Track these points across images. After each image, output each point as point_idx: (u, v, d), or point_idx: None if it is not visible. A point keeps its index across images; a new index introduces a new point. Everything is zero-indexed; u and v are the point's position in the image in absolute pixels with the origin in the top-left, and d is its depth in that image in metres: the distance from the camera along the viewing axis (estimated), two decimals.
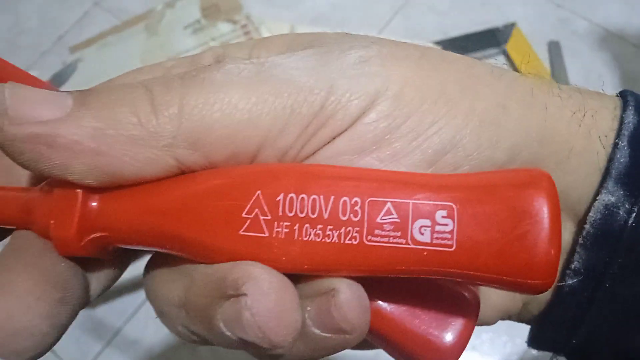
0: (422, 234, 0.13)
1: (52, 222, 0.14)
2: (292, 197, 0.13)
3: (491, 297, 0.17)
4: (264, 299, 0.13)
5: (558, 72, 0.70)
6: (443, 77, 0.15)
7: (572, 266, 0.16)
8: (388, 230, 0.13)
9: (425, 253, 0.13)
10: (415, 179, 0.13)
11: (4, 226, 0.15)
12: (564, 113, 0.16)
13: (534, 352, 0.20)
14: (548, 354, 0.19)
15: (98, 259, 0.15)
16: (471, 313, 0.15)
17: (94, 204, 0.14)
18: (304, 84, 0.14)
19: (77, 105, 0.13)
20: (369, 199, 0.13)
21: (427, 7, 0.75)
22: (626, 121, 0.16)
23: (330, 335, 0.14)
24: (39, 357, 0.14)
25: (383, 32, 0.74)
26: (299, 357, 0.14)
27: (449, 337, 0.15)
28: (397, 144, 0.14)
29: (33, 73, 0.18)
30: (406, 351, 0.15)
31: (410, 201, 0.13)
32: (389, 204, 0.13)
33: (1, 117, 0.13)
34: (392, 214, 0.13)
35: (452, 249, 0.13)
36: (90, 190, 0.14)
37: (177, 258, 0.15)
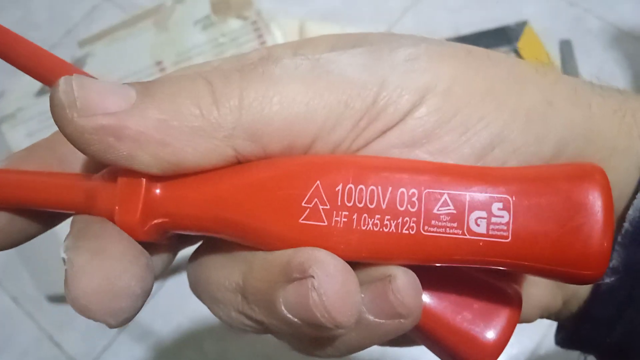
0: (478, 225, 0.13)
1: (116, 208, 0.15)
2: (350, 188, 0.14)
3: (533, 294, 0.18)
4: (331, 280, 0.13)
5: (569, 71, 0.69)
6: (490, 75, 0.16)
7: (611, 264, 0.17)
8: (445, 221, 0.14)
9: (481, 244, 0.13)
10: (471, 171, 0.14)
11: (64, 211, 0.16)
12: (606, 111, 0.16)
13: (542, 353, 0.20)
14: (557, 356, 0.19)
15: (155, 244, 0.16)
16: (514, 310, 0.16)
17: (157, 191, 0.15)
18: (357, 79, 0.15)
19: (141, 96, 0.14)
20: (426, 191, 0.14)
21: (439, 4, 0.75)
22: None
23: (384, 321, 0.14)
24: (131, 320, 0.15)
25: (394, 28, 0.74)
26: (351, 346, 0.15)
27: (491, 333, 0.15)
28: (447, 137, 0.15)
29: None
30: (448, 346, 0.16)
31: (467, 193, 0.13)
32: (445, 196, 0.14)
33: (70, 109, 0.13)
34: (449, 206, 0.14)
35: (507, 240, 0.13)
36: (153, 178, 0.15)
37: (231, 245, 0.16)
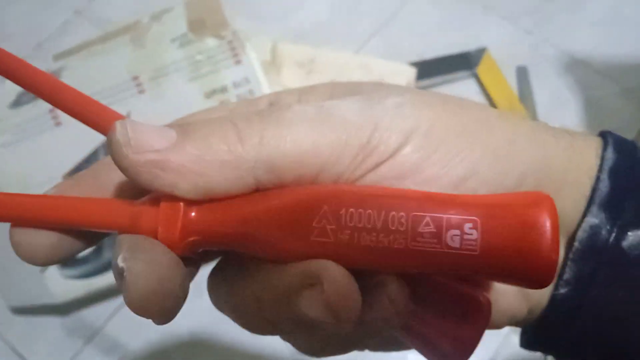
0: (453, 241, 0.16)
1: (159, 228, 0.18)
2: (352, 211, 0.17)
3: (502, 303, 0.21)
4: (337, 285, 0.16)
5: (525, 96, 0.73)
6: (462, 119, 0.19)
7: (564, 277, 0.20)
8: (427, 238, 0.17)
9: (455, 256, 0.16)
10: (448, 198, 0.17)
11: (108, 231, 0.19)
12: (558, 150, 0.20)
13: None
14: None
15: (186, 259, 0.19)
16: (485, 313, 0.19)
17: (193, 214, 0.18)
18: (354, 122, 0.18)
19: (180, 136, 0.17)
20: (412, 214, 0.17)
21: (405, 29, 0.78)
22: (606, 158, 0.20)
23: (378, 318, 0.18)
24: (171, 320, 0.17)
25: (362, 50, 0.77)
26: (351, 342, 0.19)
27: (467, 332, 0.19)
28: (429, 170, 0.18)
29: None
30: (432, 344, 0.20)
31: (444, 216, 0.17)
32: (427, 218, 0.17)
33: (126, 147, 0.17)
34: (430, 226, 0.17)
35: (477, 253, 0.16)
36: (189, 203, 0.18)
37: (250, 259, 0.19)
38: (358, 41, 0.77)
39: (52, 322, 0.66)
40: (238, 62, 0.57)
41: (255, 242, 0.18)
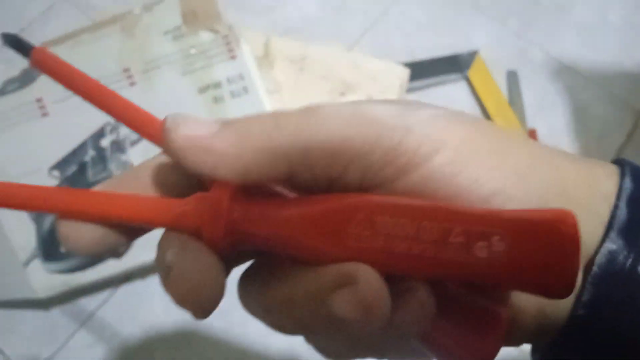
0: (481, 251, 0.17)
1: (204, 228, 0.19)
2: (386, 220, 0.18)
3: (520, 322, 0.21)
4: (370, 286, 0.17)
5: (515, 100, 0.73)
6: (492, 139, 0.20)
7: (582, 299, 0.20)
8: (456, 248, 0.17)
9: (482, 266, 0.17)
10: (477, 211, 0.18)
11: (151, 227, 0.20)
12: (578, 178, 0.21)
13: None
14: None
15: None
16: (503, 328, 0.20)
17: (235, 215, 0.19)
18: (387, 123, 0.19)
19: (222, 126, 0.19)
20: (443, 225, 0.17)
21: (396, 29, 0.78)
22: (624, 187, 0.21)
23: (405, 320, 0.18)
24: (209, 316, 0.18)
25: (353, 49, 0.76)
26: (377, 343, 0.20)
27: (488, 343, 0.20)
28: (459, 185, 0.19)
29: None
30: (453, 353, 0.20)
31: (473, 228, 0.17)
32: (457, 229, 0.17)
33: (175, 134, 0.18)
34: (460, 236, 0.17)
35: (503, 264, 0.17)
36: (232, 204, 0.19)
37: (282, 262, 0.20)
38: (348, 39, 0.77)
39: (32, 316, 0.64)
40: (233, 57, 0.56)
41: (293, 244, 0.18)
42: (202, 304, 0.18)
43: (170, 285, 0.18)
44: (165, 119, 0.19)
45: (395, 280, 0.18)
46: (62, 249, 0.60)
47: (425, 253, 0.17)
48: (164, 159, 0.21)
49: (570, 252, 0.17)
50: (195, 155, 0.18)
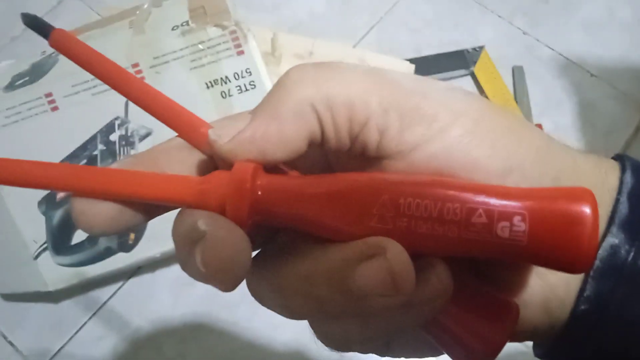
0: (503, 231, 0.17)
1: (228, 206, 0.19)
2: (410, 201, 0.18)
3: (525, 316, 0.21)
4: (400, 257, 0.17)
5: (521, 96, 0.74)
6: (508, 117, 0.20)
7: (585, 294, 0.21)
8: (479, 228, 0.17)
9: (503, 245, 0.17)
10: (499, 191, 0.18)
11: (172, 205, 0.20)
12: (587, 166, 0.21)
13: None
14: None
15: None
16: (513, 318, 0.20)
17: (259, 192, 0.19)
18: (405, 86, 0.19)
19: (254, 114, 0.20)
20: (467, 206, 0.18)
21: (402, 25, 0.78)
22: (625, 181, 0.21)
23: (425, 298, 0.18)
24: (234, 289, 0.18)
25: (359, 44, 0.76)
26: (392, 324, 0.19)
27: (497, 332, 0.20)
28: (478, 157, 0.19)
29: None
30: (462, 341, 0.20)
31: (496, 209, 0.17)
32: (480, 210, 0.17)
33: (222, 141, 0.19)
34: (482, 217, 0.17)
35: (524, 243, 0.17)
36: (255, 185, 0.19)
37: (301, 240, 0.20)
38: (355, 35, 0.77)
39: (42, 309, 0.65)
40: (240, 53, 0.56)
41: (316, 223, 0.19)
42: (236, 273, 0.18)
43: (205, 254, 0.18)
44: (208, 134, 0.20)
45: (412, 257, 0.18)
46: (75, 231, 0.61)
47: (449, 233, 0.18)
48: (179, 141, 0.21)
49: (589, 232, 0.17)
50: (244, 151, 0.19)
